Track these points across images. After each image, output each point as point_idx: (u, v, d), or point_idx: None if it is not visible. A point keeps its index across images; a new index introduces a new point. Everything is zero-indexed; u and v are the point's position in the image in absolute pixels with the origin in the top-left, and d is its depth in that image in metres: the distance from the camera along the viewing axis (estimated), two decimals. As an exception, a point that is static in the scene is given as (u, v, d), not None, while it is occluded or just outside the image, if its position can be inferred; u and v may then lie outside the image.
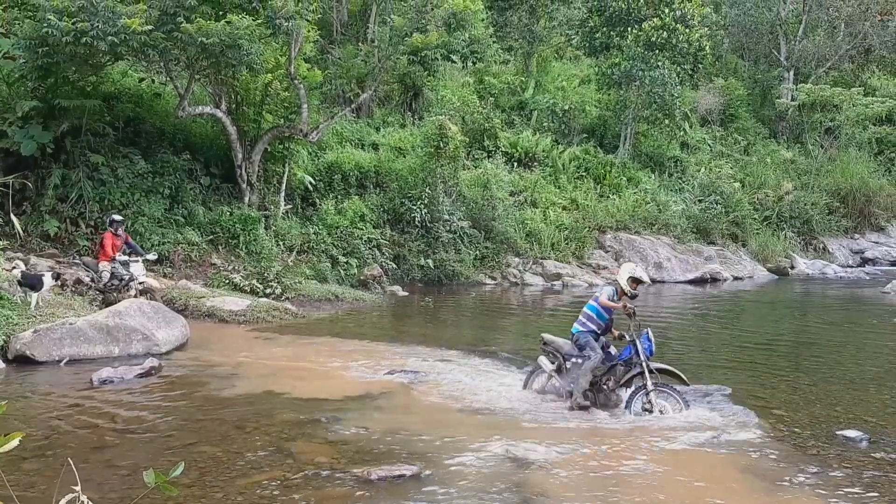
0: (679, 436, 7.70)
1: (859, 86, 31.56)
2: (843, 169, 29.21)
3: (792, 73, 32.44)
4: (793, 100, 30.60)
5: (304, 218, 18.78)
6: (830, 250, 27.11)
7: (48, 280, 11.78)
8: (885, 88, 34.95)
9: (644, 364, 8.44)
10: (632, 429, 8.07)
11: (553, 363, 9.10)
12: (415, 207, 19.58)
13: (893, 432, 8.01)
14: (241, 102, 18.00)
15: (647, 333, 8.61)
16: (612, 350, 8.95)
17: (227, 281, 15.67)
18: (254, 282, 15.63)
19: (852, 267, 26.41)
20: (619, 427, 8.12)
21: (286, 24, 15.52)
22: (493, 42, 24.39)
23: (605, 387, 8.70)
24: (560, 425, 8.11)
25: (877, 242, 28.54)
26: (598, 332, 8.84)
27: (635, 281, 8.82)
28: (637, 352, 8.51)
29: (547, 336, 9.40)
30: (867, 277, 24.38)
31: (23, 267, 12.29)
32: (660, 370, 8.54)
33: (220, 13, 15.01)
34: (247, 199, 17.82)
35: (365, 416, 8.15)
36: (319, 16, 19.96)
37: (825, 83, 30.44)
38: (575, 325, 9.03)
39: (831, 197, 28.24)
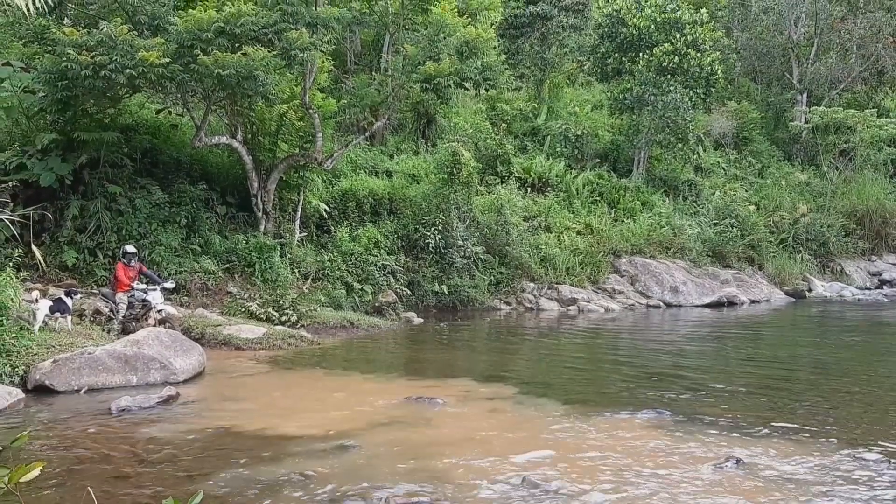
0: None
1: (873, 107, 31.45)
2: (859, 190, 29.02)
3: (805, 95, 32.42)
4: (806, 122, 30.55)
5: (318, 245, 18.88)
6: (848, 272, 26.88)
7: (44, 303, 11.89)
8: (899, 109, 34.85)
9: None
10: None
11: None
12: (429, 233, 19.64)
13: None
14: (257, 132, 18.20)
15: None
16: None
17: (243, 309, 15.75)
18: (269, 309, 15.70)
19: (870, 289, 26.18)
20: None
21: (301, 55, 15.76)
22: (506, 69, 24.54)
23: None
24: None
25: (894, 264, 28.28)
26: None
27: None
28: None
29: None
30: (886, 299, 24.19)
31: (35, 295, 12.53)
32: None
33: (237, 45, 15.24)
34: (262, 228, 17.96)
35: (384, 443, 8.15)
36: (333, 46, 20.23)
37: (838, 105, 30.39)
38: None
39: (847, 219, 28.02)
